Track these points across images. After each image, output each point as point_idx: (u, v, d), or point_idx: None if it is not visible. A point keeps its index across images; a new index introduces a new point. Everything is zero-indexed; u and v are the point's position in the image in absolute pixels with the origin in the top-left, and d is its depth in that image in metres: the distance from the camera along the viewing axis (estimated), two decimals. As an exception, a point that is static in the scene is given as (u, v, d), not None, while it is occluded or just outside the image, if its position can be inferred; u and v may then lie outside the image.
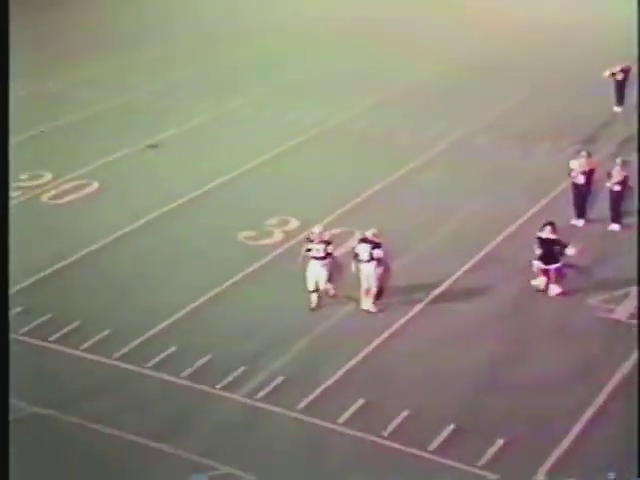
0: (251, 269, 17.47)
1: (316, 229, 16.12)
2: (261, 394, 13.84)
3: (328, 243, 15.96)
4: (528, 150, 22.58)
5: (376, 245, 15.69)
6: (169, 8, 39.91)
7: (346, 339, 15.24)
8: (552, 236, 16.10)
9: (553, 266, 16.13)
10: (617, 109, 24.84)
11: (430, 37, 33.41)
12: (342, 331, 15.51)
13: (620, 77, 24.60)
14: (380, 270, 15.80)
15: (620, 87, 24.72)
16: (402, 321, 15.72)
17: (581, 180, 18.87)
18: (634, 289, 16.18)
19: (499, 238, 18.37)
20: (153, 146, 23.89)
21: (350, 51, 32.22)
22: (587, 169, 18.93)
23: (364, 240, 15.87)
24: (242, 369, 14.41)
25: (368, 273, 15.76)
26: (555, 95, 26.45)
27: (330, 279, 16.00)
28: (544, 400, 13.63)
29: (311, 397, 13.78)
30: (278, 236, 18.78)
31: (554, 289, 16.21)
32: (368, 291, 15.91)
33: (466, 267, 17.30)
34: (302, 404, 13.62)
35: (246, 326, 15.64)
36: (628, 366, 14.33)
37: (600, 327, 15.51)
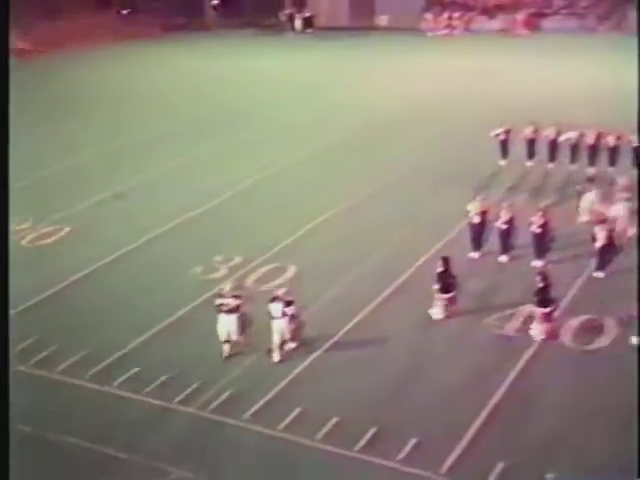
0: (200, 300, 17.21)
1: (227, 286, 15.34)
2: (211, 407, 13.61)
3: (238, 297, 15.08)
4: (436, 193, 22.73)
5: (288, 303, 14.77)
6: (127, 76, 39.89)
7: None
8: (441, 268, 16.20)
9: (447, 295, 16.26)
10: (502, 162, 25.29)
11: (345, 98, 33.85)
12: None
13: (503, 137, 25.11)
14: (293, 324, 14.84)
15: (504, 145, 25.21)
16: (326, 345, 15.45)
17: (477, 220, 19.13)
18: (519, 309, 16.31)
19: (410, 271, 18.42)
20: (120, 196, 23.54)
21: (278, 111, 32.44)
22: (481, 211, 19.21)
23: (276, 299, 14.77)
24: (195, 386, 14.16)
25: (281, 328, 14.77)
26: (456, 149, 26.78)
27: (242, 332, 14.99)
28: (449, 405, 13.67)
29: (255, 408, 13.59)
30: (223, 271, 18.60)
31: (438, 314, 16.29)
32: (282, 344, 14.86)
33: (380, 299, 17.20)
34: (247, 414, 13.42)
35: (197, 349, 15.36)
36: (516, 372, 14.49)
37: (493, 342, 15.61)
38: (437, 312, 16.36)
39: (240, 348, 15.08)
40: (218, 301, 15.06)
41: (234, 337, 14.99)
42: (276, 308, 14.78)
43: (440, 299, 16.31)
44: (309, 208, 22.14)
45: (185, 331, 16.09)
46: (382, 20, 51.74)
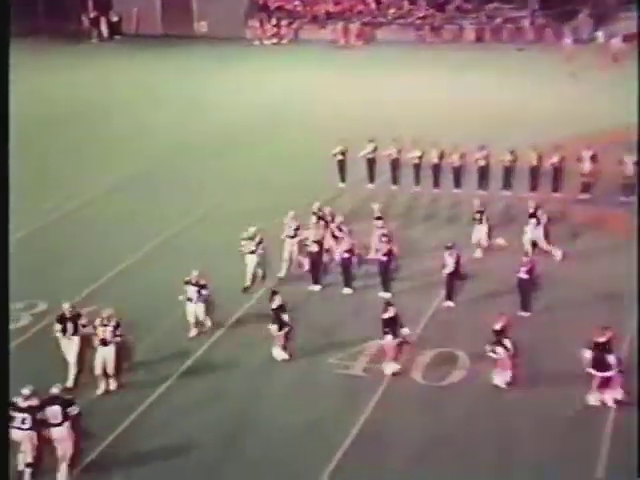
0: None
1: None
2: None
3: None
4: (263, 223, 22.51)
5: (66, 403, 13.14)
6: None
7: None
8: (278, 303, 16.59)
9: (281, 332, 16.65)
10: (342, 185, 25.71)
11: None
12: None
13: (340, 157, 25.52)
14: (73, 434, 13.16)
15: (341, 167, 25.69)
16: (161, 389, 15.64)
17: (315, 248, 19.40)
18: (367, 345, 16.78)
19: (246, 306, 18.53)
20: None
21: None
22: (319, 238, 19.52)
23: (50, 402, 13.10)
24: None
25: (61, 438, 13.07)
26: (296, 172, 27.04)
27: None
28: (297, 447, 14.21)
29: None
30: (27, 319, 18.02)
31: (280, 354, 16.70)
32: (64, 458, 13.17)
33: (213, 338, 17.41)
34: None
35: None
36: (367, 413, 14.94)
37: (339, 382, 16.03)
38: (278, 352, 16.63)
39: None
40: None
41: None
42: (54, 412, 13.06)
43: (277, 337, 16.65)
44: (120, 245, 21.83)
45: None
46: (202, 27, 51.82)
